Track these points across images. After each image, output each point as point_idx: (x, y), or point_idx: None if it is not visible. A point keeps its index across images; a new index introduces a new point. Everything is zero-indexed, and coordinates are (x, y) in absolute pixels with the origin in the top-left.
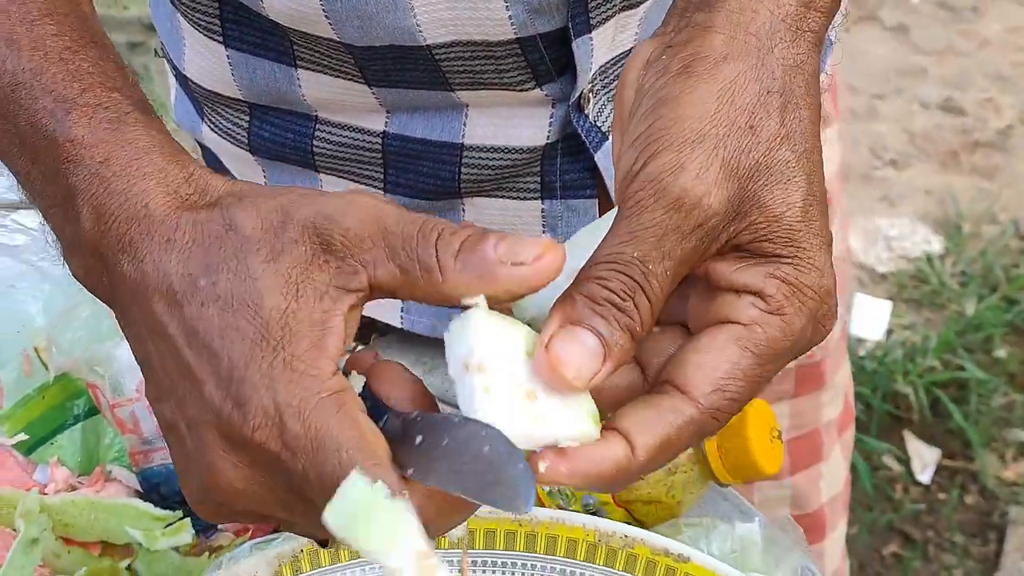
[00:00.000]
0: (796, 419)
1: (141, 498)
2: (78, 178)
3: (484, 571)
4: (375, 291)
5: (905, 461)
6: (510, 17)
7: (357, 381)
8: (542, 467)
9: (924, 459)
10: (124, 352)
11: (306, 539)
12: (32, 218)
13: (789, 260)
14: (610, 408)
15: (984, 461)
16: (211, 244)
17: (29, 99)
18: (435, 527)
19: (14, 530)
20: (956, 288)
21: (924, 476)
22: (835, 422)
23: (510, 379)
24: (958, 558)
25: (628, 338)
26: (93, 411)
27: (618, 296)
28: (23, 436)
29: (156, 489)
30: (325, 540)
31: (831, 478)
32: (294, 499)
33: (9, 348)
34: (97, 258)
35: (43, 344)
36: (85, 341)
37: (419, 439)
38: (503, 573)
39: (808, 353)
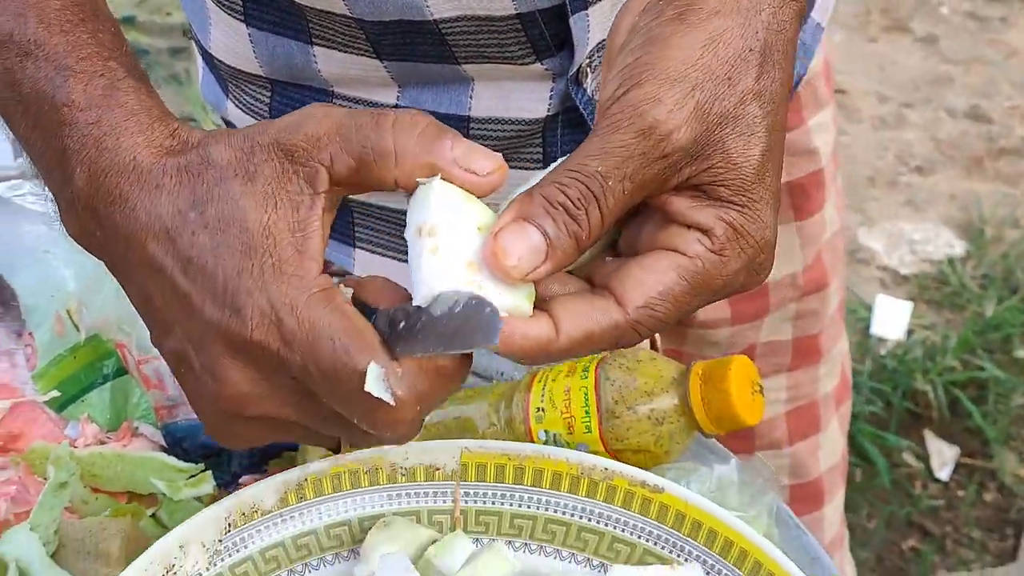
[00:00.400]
0: (793, 391)
1: (165, 452)
2: (72, 139)
3: (475, 501)
4: (337, 187)
5: (924, 458)
6: None
7: (345, 292)
8: None
9: (943, 456)
10: None
11: (311, 469)
12: None
13: (739, 208)
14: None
15: (1002, 459)
16: (195, 181)
17: (33, 68)
18: (431, 396)
19: (45, 479)
20: (976, 290)
21: (943, 473)
22: (832, 394)
23: (458, 247)
24: (976, 553)
25: (573, 243)
26: (121, 371)
27: (572, 203)
28: (55, 393)
29: (180, 444)
30: (337, 447)
31: (829, 449)
32: (298, 396)
33: (42, 310)
34: (91, 214)
35: (75, 306)
36: (114, 304)
37: (402, 324)
38: (493, 503)
39: (805, 327)
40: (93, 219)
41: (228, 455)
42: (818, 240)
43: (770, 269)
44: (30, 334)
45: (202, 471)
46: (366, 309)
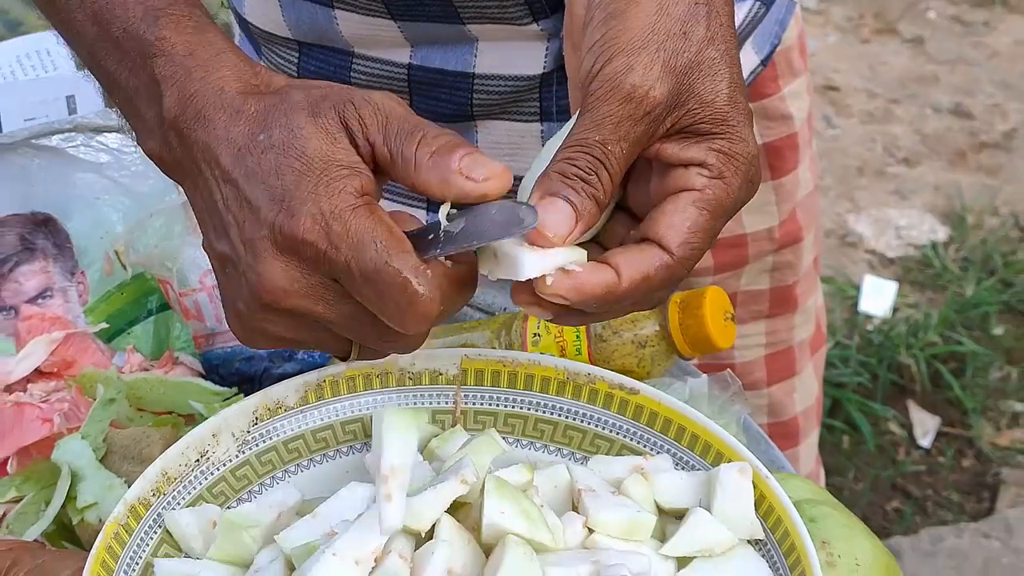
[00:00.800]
0: (771, 336)
1: (203, 378)
2: (164, 68)
3: (474, 403)
4: (374, 161)
5: (907, 426)
6: None
7: None
8: (549, 280)
9: (925, 426)
10: (190, 250)
11: (329, 371)
12: (115, 140)
13: (722, 135)
14: None
15: (979, 428)
16: (269, 112)
17: (122, 10)
18: (450, 298)
19: (94, 399)
20: (957, 272)
21: (925, 441)
22: (808, 342)
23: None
24: (954, 514)
25: (594, 204)
26: (164, 307)
27: (583, 171)
28: (104, 325)
29: (216, 370)
30: (347, 355)
31: (804, 392)
32: (331, 295)
33: (93, 251)
34: (174, 131)
35: (122, 247)
36: (158, 244)
37: (431, 236)
38: (489, 405)
39: (781, 278)
40: (176, 136)
41: (259, 380)
42: (793, 198)
43: (760, 178)
44: (82, 272)
45: (235, 394)
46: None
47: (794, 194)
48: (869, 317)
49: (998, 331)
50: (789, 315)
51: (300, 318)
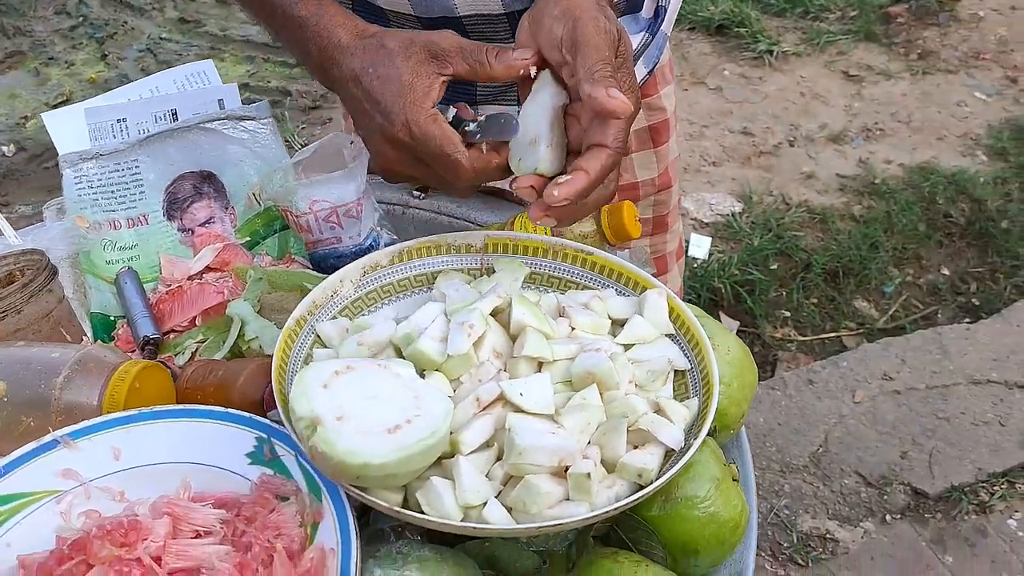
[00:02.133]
0: (653, 247)
1: (310, 269)
2: (306, 33)
3: (491, 263)
4: (456, 76)
5: None
6: (501, 1)
7: (450, 111)
8: (556, 192)
9: (730, 326)
10: (301, 190)
11: (406, 245)
12: (250, 125)
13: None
14: None
15: (763, 327)
16: (371, 53)
17: (307, 25)
18: (481, 167)
19: (247, 280)
20: (748, 230)
21: None
22: (675, 252)
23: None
24: None
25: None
26: (284, 227)
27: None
28: (247, 239)
29: (318, 264)
30: (426, 189)
31: (673, 281)
32: (417, 163)
33: (239, 194)
34: (322, 70)
35: (257, 190)
36: (280, 187)
37: (473, 125)
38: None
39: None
40: (323, 73)
41: None
42: (665, 160)
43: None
44: (232, 207)
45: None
46: (461, 121)
47: (666, 158)
48: (695, 259)
49: (773, 267)
50: (664, 234)
51: (402, 174)
